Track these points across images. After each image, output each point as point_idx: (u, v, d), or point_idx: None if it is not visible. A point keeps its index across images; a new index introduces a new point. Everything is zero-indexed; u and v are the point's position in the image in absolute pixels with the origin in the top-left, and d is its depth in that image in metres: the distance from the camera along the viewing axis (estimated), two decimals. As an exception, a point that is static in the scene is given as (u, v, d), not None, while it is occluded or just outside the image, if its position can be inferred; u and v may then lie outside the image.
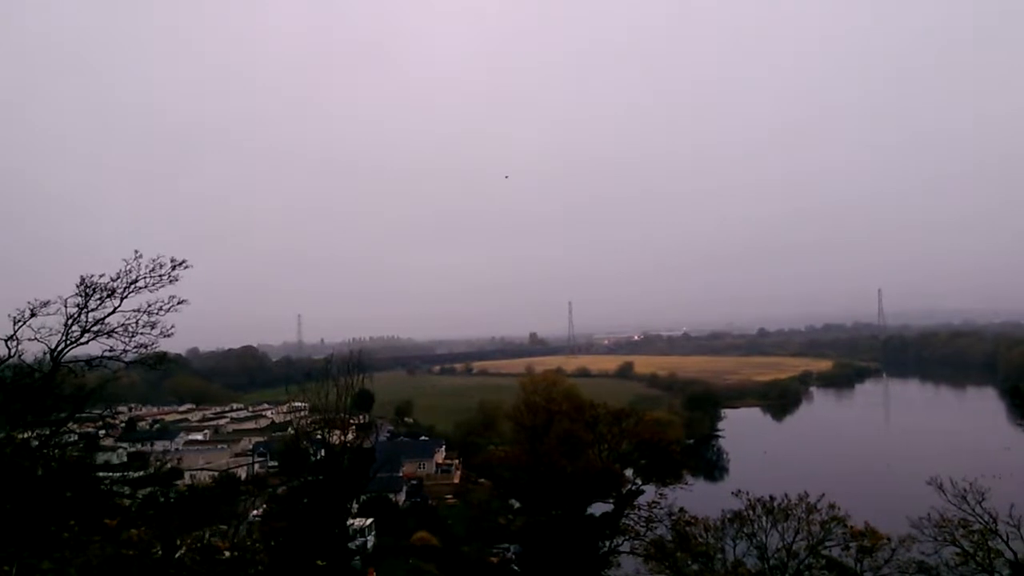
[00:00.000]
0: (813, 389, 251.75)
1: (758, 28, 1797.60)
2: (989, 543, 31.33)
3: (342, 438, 48.04)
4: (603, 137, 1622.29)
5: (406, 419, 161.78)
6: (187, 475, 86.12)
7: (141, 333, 23.01)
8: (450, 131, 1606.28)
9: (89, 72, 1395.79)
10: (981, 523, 31.51)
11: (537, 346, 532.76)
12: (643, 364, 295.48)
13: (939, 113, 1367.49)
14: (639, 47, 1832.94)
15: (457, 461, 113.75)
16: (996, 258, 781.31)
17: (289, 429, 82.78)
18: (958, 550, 32.03)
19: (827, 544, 37.02)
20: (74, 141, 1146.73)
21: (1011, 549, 30.41)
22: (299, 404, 63.91)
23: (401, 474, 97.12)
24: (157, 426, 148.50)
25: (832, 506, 37.76)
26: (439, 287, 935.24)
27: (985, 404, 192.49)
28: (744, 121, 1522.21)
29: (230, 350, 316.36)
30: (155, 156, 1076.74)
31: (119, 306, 22.64)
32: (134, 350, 23.21)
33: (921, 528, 33.34)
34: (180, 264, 23.38)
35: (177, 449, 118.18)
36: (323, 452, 50.65)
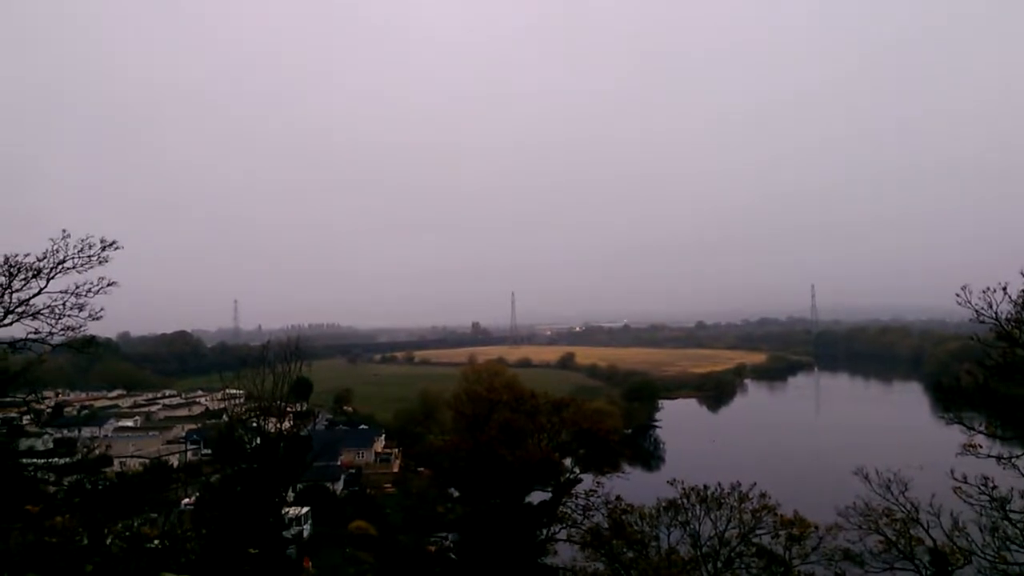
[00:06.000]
0: (747, 381, 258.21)
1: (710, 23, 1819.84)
2: (911, 531, 32.18)
3: (278, 426, 47.32)
4: (551, 125, 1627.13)
5: (345, 408, 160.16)
6: (116, 462, 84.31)
7: (68, 315, 22.15)
8: (405, 121, 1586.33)
9: (38, 42, 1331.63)
10: (903, 512, 32.28)
11: (479, 336, 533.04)
12: (584, 355, 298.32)
13: (889, 111, 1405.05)
14: (618, 33, 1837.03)
15: (397, 450, 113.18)
16: (927, 258, 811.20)
17: (223, 416, 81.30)
18: (881, 538, 32.92)
19: (758, 532, 37.76)
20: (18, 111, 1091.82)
21: (931, 537, 31.40)
22: (234, 391, 62.65)
23: (339, 463, 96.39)
24: (85, 412, 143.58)
25: (763, 495, 38.47)
26: (382, 275, 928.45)
27: (910, 397, 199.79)
28: (692, 113, 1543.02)
29: (163, 335, 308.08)
30: (99, 130, 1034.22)
31: (45, 287, 21.79)
32: (61, 333, 22.37)
33: (847, 517, 34.07)
34: (110, 245, 22.58)
35: (106, 436, 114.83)
36: (258, 440, 49.95)
